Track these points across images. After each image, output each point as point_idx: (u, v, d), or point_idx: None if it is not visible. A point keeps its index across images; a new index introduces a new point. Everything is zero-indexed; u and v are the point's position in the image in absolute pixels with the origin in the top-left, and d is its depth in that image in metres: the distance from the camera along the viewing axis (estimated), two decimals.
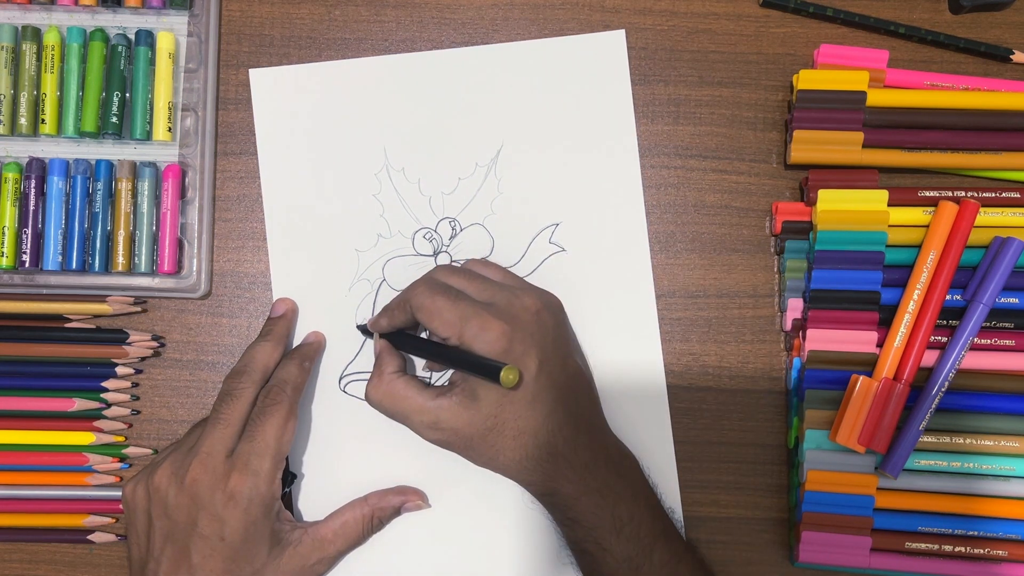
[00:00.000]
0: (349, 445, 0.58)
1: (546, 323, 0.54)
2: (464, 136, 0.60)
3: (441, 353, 0.53)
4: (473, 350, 0.51)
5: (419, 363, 0.58)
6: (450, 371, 0.57)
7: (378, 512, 0.55)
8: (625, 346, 0.58)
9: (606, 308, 0.58)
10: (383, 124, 0.60)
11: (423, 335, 0.57)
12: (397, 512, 0.56)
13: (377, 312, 0.57)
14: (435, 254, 0.59)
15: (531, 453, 0.52)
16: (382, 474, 0.58)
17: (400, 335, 0.55)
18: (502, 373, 0.48)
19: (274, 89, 0.60)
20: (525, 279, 0.58)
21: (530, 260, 0.59)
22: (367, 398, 0.54)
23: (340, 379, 0.58)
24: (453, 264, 0.58)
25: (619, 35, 0.60)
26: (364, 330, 0.58)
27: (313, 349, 0.57)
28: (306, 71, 0.60)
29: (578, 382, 0.55)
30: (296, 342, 0.58)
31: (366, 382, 0.57)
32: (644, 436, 0.57)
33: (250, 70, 0.60)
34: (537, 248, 0.59)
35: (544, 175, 0.59)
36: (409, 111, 0.60)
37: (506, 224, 0.59)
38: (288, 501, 0.58)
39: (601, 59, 0.60)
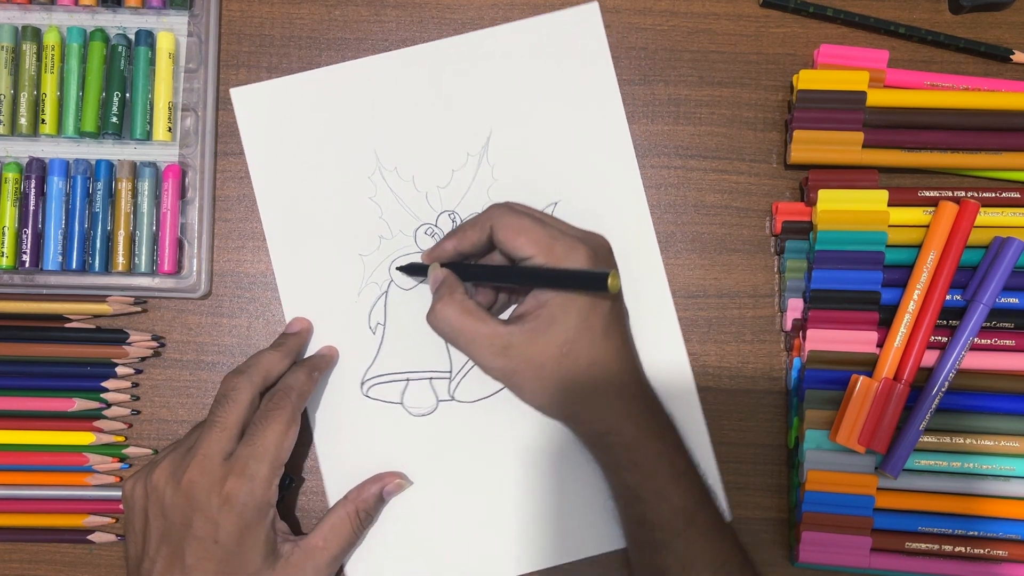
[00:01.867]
0: (375, 449, 0.58)
1: (615, 263, 0.55)
2: (452, 128, 0.60)
3: (525, 273, 0.52)
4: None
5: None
6: (510, 307, 0.57)
7: (361, 505, 0.55)
8: (638, 311, 0.58)
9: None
10: (370, 126, 0.60)
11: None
12: (381, 500, 0.56)
13: (433, 249, 0.56)
14: None
15: (600, 388, 0.51)
16: (409, 474, 0.58)
17: (463, 266, 0.55)
18: (610, 278, 0.47)
19: (256, 106, 0.60)
20: None
21: None
22: (432, 320, 0.53)
23: (362, 384, 0.58)
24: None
25: (593, 7, 0.60)
26: (410, 269, 0.57)
27: (324, 361, 0.57)
28: (285, 84, 0.60)
29: (629, 327, 0.56)
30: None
31: (388, 384, 0.57)
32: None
33: (231, 89, 0.60)
34: None
35: (536, 155, 0.59)
36: (394, 110, 0.60)
37: None
38: (289, 503, 0.58)
39: (578, 33, 0.60)
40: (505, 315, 0.57)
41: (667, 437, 0.52)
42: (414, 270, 0.57)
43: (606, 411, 0.52)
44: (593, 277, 0.49)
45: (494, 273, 0.55)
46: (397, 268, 0.58)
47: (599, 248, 0.54)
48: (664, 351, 0.58)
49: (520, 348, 0.51)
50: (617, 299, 0.54)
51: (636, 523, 0.52)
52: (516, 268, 0.53)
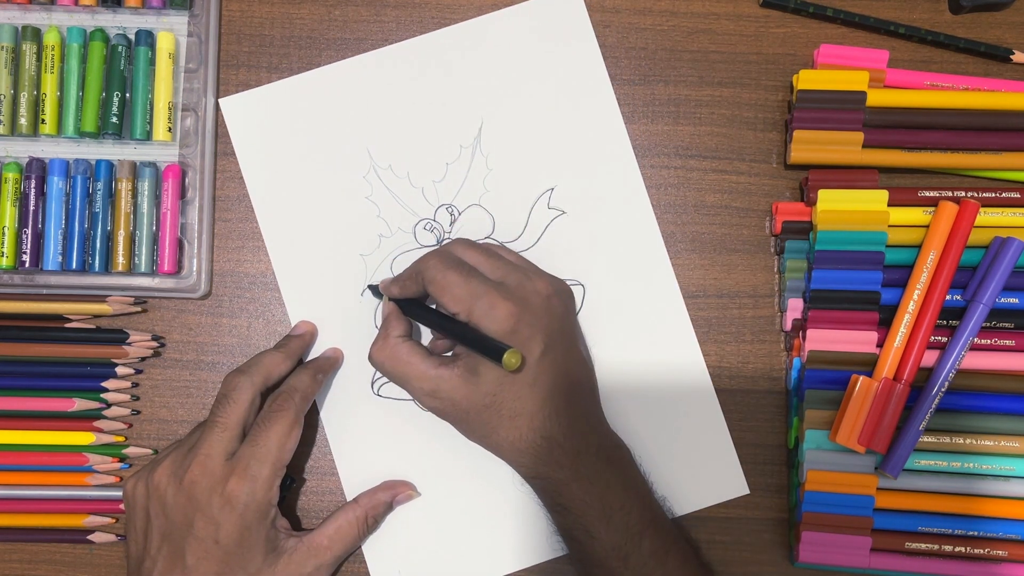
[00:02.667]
0: (386, 446, 0.58)
1: (555, 309, 0.54)
2: (442, 121, 0.60)
3: (448, 326, 0.53)
4: (480, 328, 0.51)
5: (426, 335, 0.59)
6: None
7: (371, 511, 0.55)
8: (642, 297, 0.58)
9: (616, 261, 0.59)
10: (361, 126, 0.60)
11: (433, 306, 0.57)
12: (390, 508, 0.57)
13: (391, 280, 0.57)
14: (439, 243, 0.59)
15: (525, 435, 0.52)
16: (423, 471, 0.58)
17: (410, 302, 0.56)
18: (505, 356, 0.48)
19: (247, 114, 0.60)
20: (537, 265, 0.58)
21: (533, 229, 0.59)
22: (370, 359, 0.55)
23: (372, 383, 0.58)
24: (470, 239, 0.57)
25: None
26: (375, 291, 0.58)
27: (329, 363, 0.57)
28: (273, 90, 0.60)
29: (579, 371, 0.55)
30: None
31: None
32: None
33: (220, 99, 0.60)
34: (538, 215, 0.59)
35: (529, 143, 0.60)
36: (384, 107, 0.60)
37: (502, 198, 0.59)
38: (290, 503, 0.58)
39: (562, 18, 0.60)
40: None
41: (600, 477, 0.52)
42: (379, 292, 0.58)
43: (531, 458, 0.52)
44: (493, 350, 0.49)
45: (429, 320, 0.55)
46: (368, 286, 0.59)
47: (529, 301, 0.52)
48: (677, 350, 0.58)
49: (447, 393, 0.52)
50: (552, 350, 0.52)
51: (576, 560, 0.53)
52: (445, 320, 0.53)
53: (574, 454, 0.52)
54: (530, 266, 0.57)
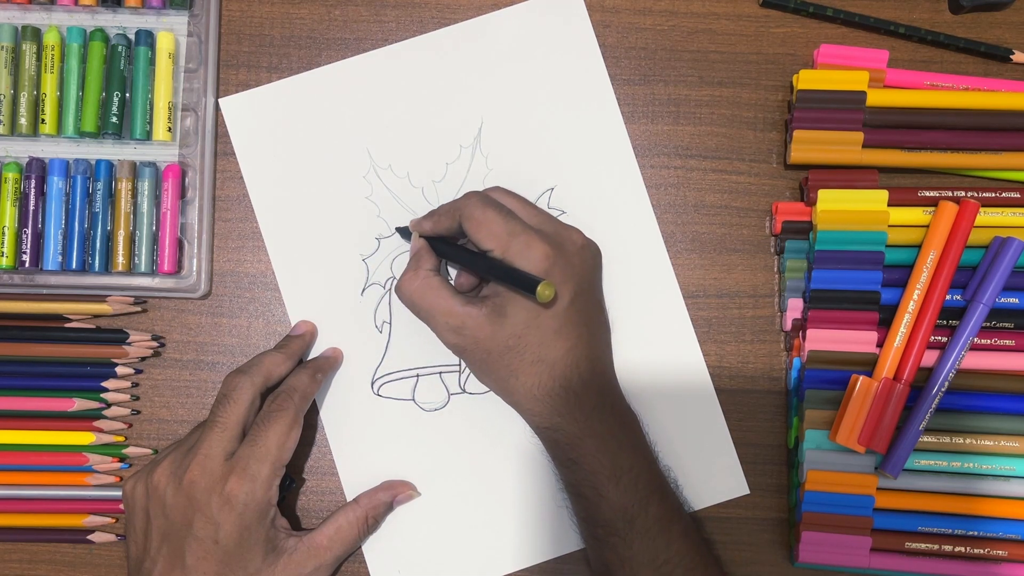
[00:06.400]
0: (386, 446, 0.58)
1: (587, 260, 0.55)
2: (442, 121, 0.60)
3: (480, 262, 0.53)
4: (514, 266, 0.51)
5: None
6: (482, 287, 0.57)
7: (371, 512, 0.55)
8: (642, 297, 0.59)
9: (616, 261, 0.59)
10: (361, 126, 0.60)
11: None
12: (390, 508, 0.57)
13: (422, 220, 0.56)
14: None
15: (544, 383, 0.52)
16: (423, 471, 0.58)
17: (440, 240, 0.56)
18: (539, 287, 0.48)
19: (247, 114, 0.60)
20: None
21: None
22: (398, 291, 0.55)
23: (372, 383, 0.58)
24: (508, 189, 0.57)
25: None
26: (404, 232, 0.58)
27: (328, 363, 0.57)
28: (274, 90, 0.60)
29: (602, 326, 0.56)
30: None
31: (399, 382, 0.58)
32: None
33: (220, 99, 0.60)
34: None
35: (529, 142, 0.60)
36: (384, 108, 0.60)
37: None
38: (290, 503, 0.58)
39: (562, 17, 0.60)
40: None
41: (612, 436, 0.52)
42: (406, 233, 0.58)
43: (547, 407, 0.52)
44: (527, 281, 0.49)
45: (459, 257, 0.55)
46: (396, 228, 0.59)
47: (564, 247, 0.53)
48: (677, 350, 0.58)
49: (472, 331, 0.52)
50: (580, 299, 0.53)
51: (580, 518, 0.54)
52: (476, 257, 0.53)
53: (590, 408, 0.52)
54: (562, 221, 0.57)
